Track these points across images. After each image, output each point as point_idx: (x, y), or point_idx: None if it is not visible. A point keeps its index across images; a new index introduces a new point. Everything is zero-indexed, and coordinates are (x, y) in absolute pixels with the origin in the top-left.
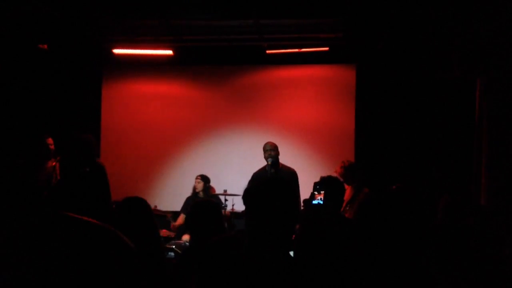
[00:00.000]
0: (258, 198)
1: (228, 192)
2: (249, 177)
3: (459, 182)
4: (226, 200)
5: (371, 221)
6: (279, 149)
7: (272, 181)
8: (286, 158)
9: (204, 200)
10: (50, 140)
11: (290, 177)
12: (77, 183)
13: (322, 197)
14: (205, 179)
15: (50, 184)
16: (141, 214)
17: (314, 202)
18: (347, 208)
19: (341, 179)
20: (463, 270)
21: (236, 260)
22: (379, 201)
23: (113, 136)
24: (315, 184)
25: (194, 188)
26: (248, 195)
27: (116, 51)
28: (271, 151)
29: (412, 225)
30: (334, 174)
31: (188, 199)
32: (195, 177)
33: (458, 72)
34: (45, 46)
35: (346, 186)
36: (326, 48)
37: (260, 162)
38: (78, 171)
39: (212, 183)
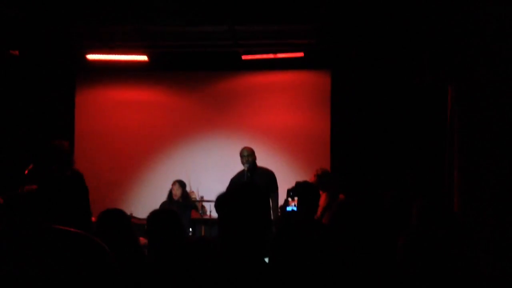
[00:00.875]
0: (230, 204)
1: (205, 198)
2: (226, 183)
3: (432, 187)
4: (203, 206)
5: (347, 227)
6: (256, 155)
7: (244, 187)
8: (261, 164)
9: (163, 210)
10: None
11: (268, 179)
12: (55, 190)
13: (296, 204)
14: (183, 184)
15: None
16: (121, 226)
17: (288, 208)
18: (324, 214)
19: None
20: (436, 273)
21: (209, 267)
22: (354, 207)
23: (87, 143)
24: (289, 190)
25: (170, 194)
26: (220, 202)
27: (90, 57)
28: (248, 156)
29: (388, 230)
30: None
31: (163, 204)
32: (171, 182)
33: (430, 78)
34: (17, 52)
35: (321, 193)
36: (301, 54)
37: (237, 167)
38: (56, 179)
39: (188, 189)
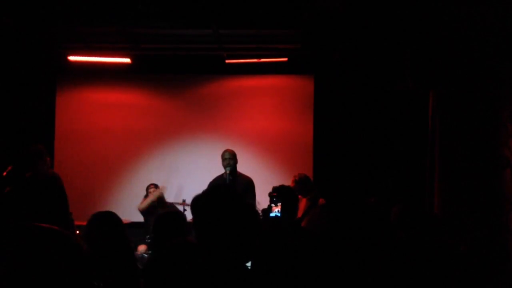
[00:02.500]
0: (206, 206)
1: (187, 202)
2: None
3: (413, 192)
4: (184, 210)
5: (332, 232)
6: (239, 159)
7: (222, 189)
8: (244, 168)
9: (170, 211)
10: None
11: (247, 186)
12: (26, 192)
13: (279, 209)
14: (157, 187)
15: None
16: (113, 228)
17: (272, 214)
18: (303, 219)
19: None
20: (418, 275)
21: (189, 268)
22: (339, 212)
23: (68, 145)
24: (271, 196)
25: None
26: (196, 204)
27: (72, 58)
28: (230, 159)
29: (370, 235)
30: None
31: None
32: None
33: (412, 84)
34: None
35: (300, 198)
36: (285, 59)
37: (219, 171)
38: (27, 181)
39: (170, 193)
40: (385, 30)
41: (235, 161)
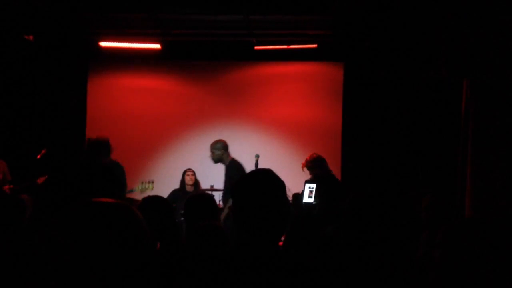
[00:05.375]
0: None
1: (215, 187)
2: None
3: (444, 182)
4: (212, 195)
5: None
6: (267, 145)
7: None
8: (272, 154)
9: (200, 193)
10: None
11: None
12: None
13: (313, 196)
14: (195, 173)
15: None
16: (164, 212)
17: (306, 201)
18: None
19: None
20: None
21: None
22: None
23: (99, 130)
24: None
25: (182, 182)
26: (237, 187)
27: (103, 44)
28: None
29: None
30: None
31: (175, 191)
32: (182, 171)
33: (445, 72)
34: (31, 37)
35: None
36: (315, 45)
37: (246, 156)
38: (67, 167)
39: (199, 178)
40: (418, 15)
41: (217, 153)
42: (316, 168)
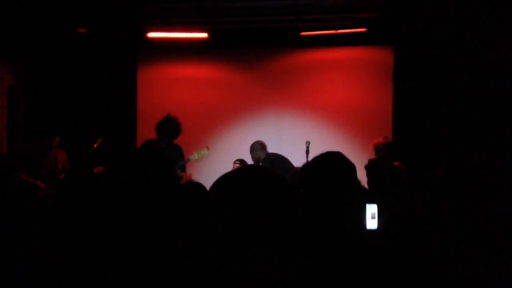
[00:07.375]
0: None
1: None
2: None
3: (502, 169)
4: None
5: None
6: (316, 132)
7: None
8: (322, 141)
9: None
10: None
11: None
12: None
13: (376, 217)
14: (244, 163)
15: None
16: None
17: (369, 227)
18: None
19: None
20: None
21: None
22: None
23: (149, 119)
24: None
25: None
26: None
27: (151, 34)
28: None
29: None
30: (370, 157)
31: None
32: (231, 161)
33: (502, 54)
34: (84, 30)
35: None
36: (364, 29)
37: (296, 144)
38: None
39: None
40: None
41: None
42: (384, 153)
